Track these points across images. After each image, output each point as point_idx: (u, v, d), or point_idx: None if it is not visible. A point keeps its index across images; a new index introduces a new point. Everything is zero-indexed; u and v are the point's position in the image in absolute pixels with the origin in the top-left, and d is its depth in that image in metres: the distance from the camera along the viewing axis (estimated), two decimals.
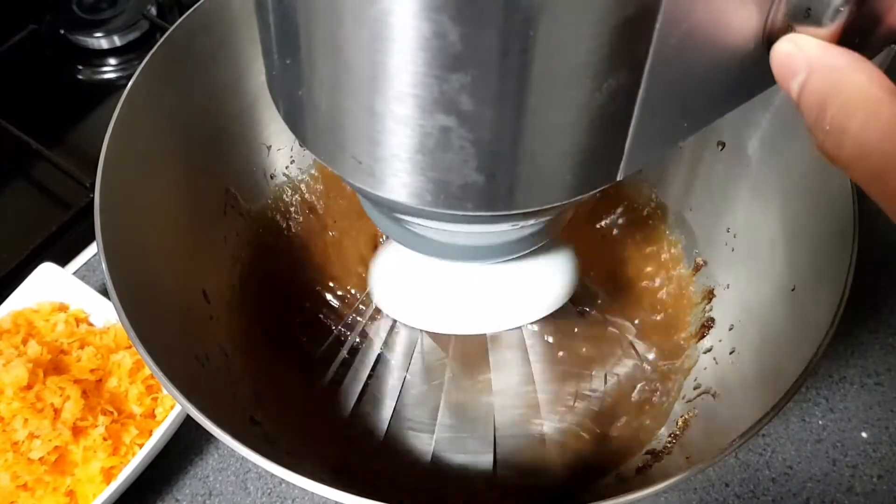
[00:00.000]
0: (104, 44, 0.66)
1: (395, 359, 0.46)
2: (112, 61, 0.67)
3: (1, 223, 0.57)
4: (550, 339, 0.45)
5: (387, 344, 0.47)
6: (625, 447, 0.43)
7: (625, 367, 0.46)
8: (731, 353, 0.42)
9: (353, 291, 0.49)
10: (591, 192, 0.24)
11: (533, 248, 0.34)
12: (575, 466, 0.43)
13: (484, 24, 0.19)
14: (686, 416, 0.42)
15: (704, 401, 0.42)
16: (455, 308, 0.42)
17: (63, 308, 0.49)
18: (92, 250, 0.55)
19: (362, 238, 0.50)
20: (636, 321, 0.47)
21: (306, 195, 0.51)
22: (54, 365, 0.45)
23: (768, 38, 0.23)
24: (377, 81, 0.20)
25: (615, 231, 0.50)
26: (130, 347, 0.46)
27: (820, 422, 0.48)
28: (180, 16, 0.42)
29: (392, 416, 0.44)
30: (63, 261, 0.53)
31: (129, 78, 0.39)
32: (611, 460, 0.42)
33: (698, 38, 0.21)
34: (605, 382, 0.45)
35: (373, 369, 0.46)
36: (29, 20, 0.68)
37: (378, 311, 0.48)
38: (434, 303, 0.42)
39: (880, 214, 0.21)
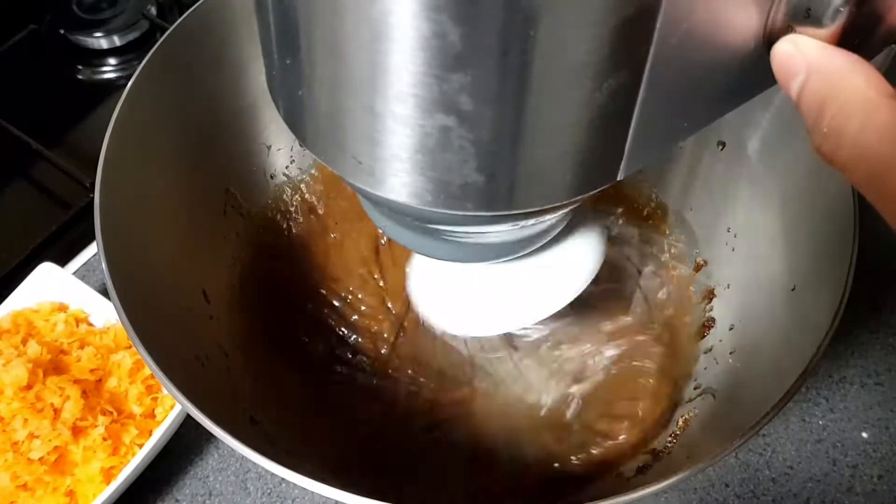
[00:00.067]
0: (104, 44, 0.66)
1: (396, 358, 0.46)
2: (112, 61, 0.67)
3: (1, 223, 0.57)
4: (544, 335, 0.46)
5: (388, 344, 0.47)
6: (625, 447, 0.43)
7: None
8: (731, 353, 0.42)
9: (353, 291, 0.49)
10: (592, 192, 0.24)
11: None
12: (575, 466, 0.43)
13: (484, 24, 0.19)
14: (686, 416, 0.42)
15: (704, 401, 0.42)
16: (499, 305, 0.40)
17: (63, 308, 0.49)
18: (92, 250, 0.55)
19: (363, 239, 0.50)
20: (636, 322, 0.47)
21: (306, 195, 0.51)
22: (54, 365, 0.45)
23: (769, 39, 0.23)
24: (377, 81, 0.20)
25: (615, 231, 0.50)
26: (130, 347, 0.46)
27: (820, 422, 0.48)
28: (180, 16, 0.42)
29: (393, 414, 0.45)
30: (63, 261, 0.53)
31: (129, 78, 0.39)
32: (611, 460, 0.42)
33: (698, 38, 0.21)
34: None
35: (372, 370, 0.47)
36: (29, 20, 0.68)
37: (379, 311, 0.48)
38: (479, 306, 0.41)
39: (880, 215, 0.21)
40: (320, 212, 0.51)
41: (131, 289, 0.35)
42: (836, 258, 0.35)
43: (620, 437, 0.43)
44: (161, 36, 0.42)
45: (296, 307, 0.48)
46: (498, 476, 0.43)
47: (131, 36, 0.66)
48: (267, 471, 0.37)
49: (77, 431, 0.43)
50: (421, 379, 0.46)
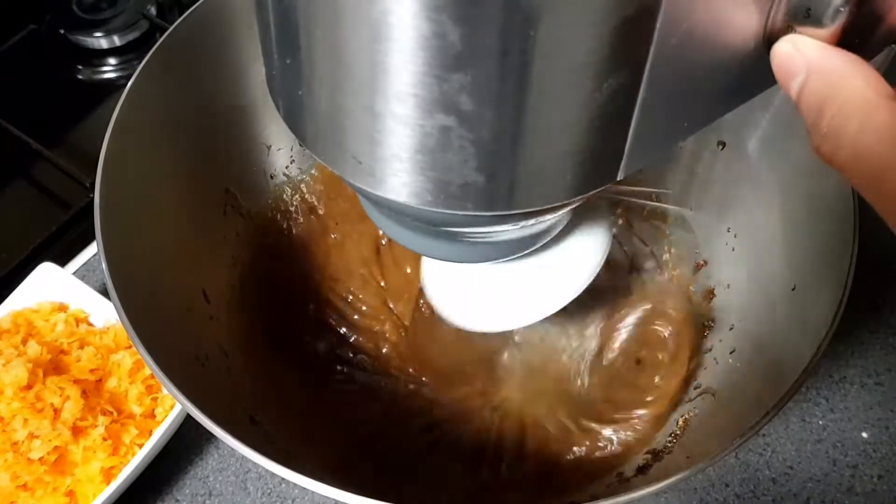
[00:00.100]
0: (104, 44, 0.66)
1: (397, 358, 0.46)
2: (112, 61, 0.67)
3: (1, 223, 0.57)
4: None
5: (389, 343, 0.47)
6: (625, 447, 0.43)
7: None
8: (731, 353, 0.42)
9: (354, 292, 0.49)
10: (592, 192, 0.24)
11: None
12: (575, 466, 0.43)
13: (484, 24, 0.19)
14: (686, 416, 0.42)
15: (704, 401, 0.42)
16: (514, 300, 0.40)
17: (63, 308, 0.49)
18: (92, 250, 0.55)
19: (364, 240, 0.50)
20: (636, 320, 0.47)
21: (306, 195, 0.51)
22: (54, 365, 0.45)
23: (769, 39, 0.23)
24: (377, 81, 0.20)
25: (615, 231, 0.50)
26: (130, 347, 0.46)
27: (820, 422, 0.48)
28: (180, 16, 0.42)
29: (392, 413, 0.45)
30: (63, 261, 0.53)
31: (129, 78, 0.39)
32: (611, 460, 0.42)
33: (698, 38, 0.21)
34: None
35: (373, 369, 0.47)
36: (29, 20, 0.68)
37: (381, 311, 0.48)
38: (493, 301, 0.41)
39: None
40: (321, 212, 0.51)
41: (131, 289, 0.35)
42: (836, 258, 0.35)
43: (621, 434, 0.43)
44: (161, 36, 0.42)
45: (296, 307, 0.48)
46: (498, 476, 0.43)
47: (131, 36, 0.66)
48: (267, 471, 0.37)
49: (77, 431, 0.43)
50: (421, 378, 0.46)
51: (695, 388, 0.43)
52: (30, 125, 0.59)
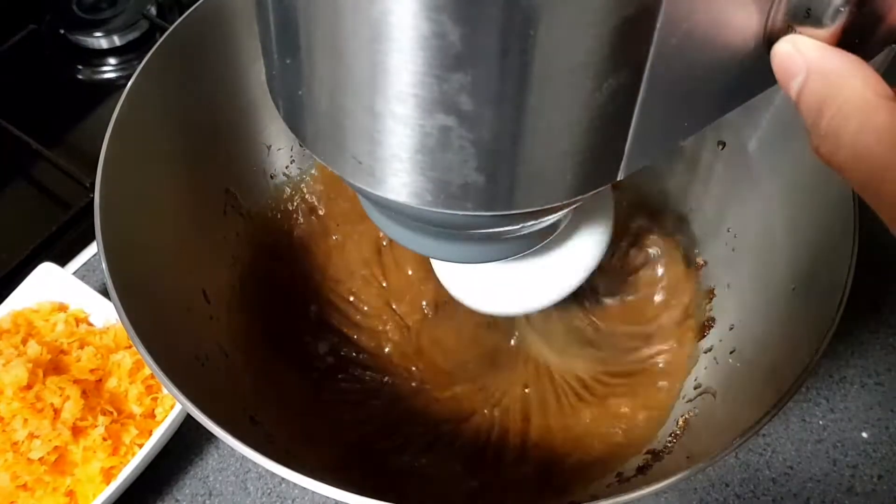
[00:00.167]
0: (104, 44, 0.66)
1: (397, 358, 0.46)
2: (112, 61, 0.67)
3: (1, 223, 0.57)
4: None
5: (391, 343, 0.47)
6: (625, 447, 0.43)
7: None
8: (731, 353, 0.42)
9: (356, 293, 0.49)
10: (592, 192, 0.24)
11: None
12: (575, 466, 0.43)
13: (484, 24, 0.19)
14: (686, 416, 0.42)
15: (704, 401, 0.42)
16: (525, 284, 0.40)
17: (63, 308, 0.49)
18: (92, 250, 0.55)
19: (365, 241, 0.50)
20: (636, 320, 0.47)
21: (306, 195, 0.51)
22: (54, 365, 0.45)
23: (769, 39, 0.23)
24: (377, 81, 0.20)
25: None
26: (130, 347, 0.46)
27: (820, 422, 0.48)
28: (180, 16, 0.42)
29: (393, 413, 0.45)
30: (63, 261, 0.53)
31: (128, 78, 0.39)
32: (611, 460, 0.42)
33: (698, 38, 0.21)
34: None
35: (373, 369, 0.47)
36: (29, 20, 0.68)
37: (383, 311, 0.48)
38: (504, 285, 0.40)
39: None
40: (321, 212, 0.51)
41: (131, 289, 0.35)
42: (837, 258, 0.35)
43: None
44: (161, 36, 0.42)
45: (296, 308, 0.48)
46: (498, 476, 0.43)
47: (131, 36, 0.66)
48: (267, 471, 0.37)
49: (77, 431, 0.43)
50: (422, 378, 0.46)
51: (695, 388, 0.43)
52: (30, 125, 0.59)
